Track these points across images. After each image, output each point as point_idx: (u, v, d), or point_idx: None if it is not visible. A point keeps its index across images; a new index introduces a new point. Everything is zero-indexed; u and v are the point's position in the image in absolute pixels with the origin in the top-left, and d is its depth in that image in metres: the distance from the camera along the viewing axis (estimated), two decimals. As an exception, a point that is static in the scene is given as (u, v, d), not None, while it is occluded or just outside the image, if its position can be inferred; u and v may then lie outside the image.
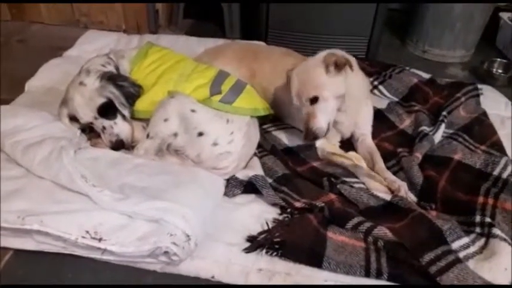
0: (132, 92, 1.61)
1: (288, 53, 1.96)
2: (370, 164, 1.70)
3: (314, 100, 1.58)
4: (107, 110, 1.57)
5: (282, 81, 1.81)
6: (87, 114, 1.57)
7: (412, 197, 1.58)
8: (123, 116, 1.61)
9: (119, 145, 1.59)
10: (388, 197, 1.55)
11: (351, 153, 1.73)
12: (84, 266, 1.28)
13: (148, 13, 2.79)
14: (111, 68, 1.64)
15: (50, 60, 2.18)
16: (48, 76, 2.04)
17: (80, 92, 1.56)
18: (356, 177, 1.64)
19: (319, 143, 1.73)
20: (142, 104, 1.62)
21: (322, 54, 1.64)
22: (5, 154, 1.50)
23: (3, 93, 2.00)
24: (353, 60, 1.68)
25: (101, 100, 1.56)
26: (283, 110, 1.86)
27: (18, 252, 1.31)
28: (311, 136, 1.59)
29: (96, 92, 1.55)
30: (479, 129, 1.92)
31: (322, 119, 1.59)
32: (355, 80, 1.67)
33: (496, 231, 1.37)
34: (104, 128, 1.59)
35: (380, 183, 1.60)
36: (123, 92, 1.58)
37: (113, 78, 1.58)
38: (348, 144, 1.83)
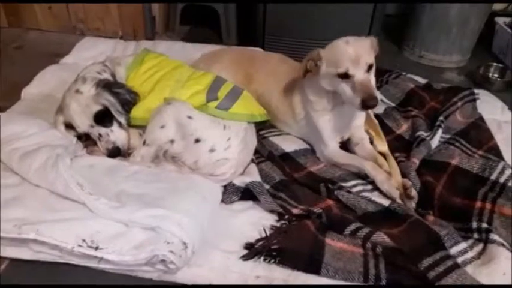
0: (128, 99, 1.60)
1: (284, 59, 1.97)
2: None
3: (369, 68, 1.54)
4: (103, 118, 1.57)
5: (278, 87, 1.81)
6: (83, 122, 1.57)
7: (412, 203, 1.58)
8: (119, 124, 1.60)
9: (115, 152, 1.59)
10: (386, 202, 1.54)
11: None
12: (81, 275, 1.27)
13: (145, 19, 2.80)
14: (107, 76, 1.64)
15: (46, 67, 2.17)
16: (44, 83, 2.03)
17: (76, 99, 1.55)
18: (354, 181, 1.63)
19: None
20: (138, 111, 1.62)
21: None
22: (1, 162, 1.49)
23: (0, 100, 2.00)
24: None
25: (97, 108, 1.55)
26: (279, 116, 1.85)
27: (14, 261, 1.30)
28: (375, 101, 1.48)
29: (92, 99, 1.55)
30: (476, 133, 1.92)
31: (375, 89, 1.55)
32: None
33: (493, 236, 1.37)
34: (100, 135, 1.59)
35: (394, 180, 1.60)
36: (119, 99, 1.57)
37: (109, 86, 1.58)
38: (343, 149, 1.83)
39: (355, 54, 1.51)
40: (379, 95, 1.57)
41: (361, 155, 1.76)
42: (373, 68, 1.56)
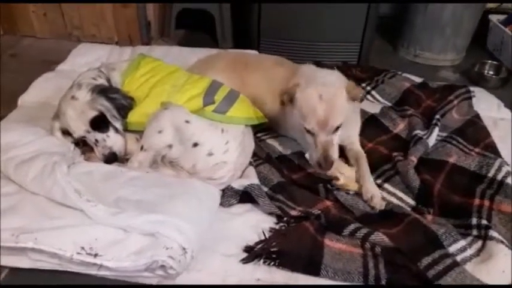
0: (124, 104, 1.60)
1: (279, 61, 1.97)
2: (356, 167, 1.69)
3: (336, 129, 1.54)
4: (99, 123, 1.57)
5: (273, 90, 1.80)
6: (79, 128, 1.57)
7: (409, 201, 1.59)
8: (116, 129, 1.60)
9: (111, 158, 1.59)
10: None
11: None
12: (81, 282, 1.26)
13: (140, 24, 2.80)
14: (102, 81, 1.64)
15: (42, 74, 2.17)
16: (41, 91, 2.02)
17: (72, 105, 1.55)
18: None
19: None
20: (135, 116, 1.62)
21: (338, 79, 1.60)
22: (-1, 171, 1.49)
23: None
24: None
25: (93, 113, 1.55)
26: (276, 119, 1.86)
27: (13, 270, 1.29)
28: (328, 165, 1.53)
29: (87, 105, 1.55)
30: (473, 131, 1.93)
31: (336, 148, 1.55)
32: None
33: (492, 233, 1.37)
34: (96, 141, 1.59)
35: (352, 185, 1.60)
36: (114, 104, 1.57)
37: (104, 91, 1.58)
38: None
39: (324, 116, 1.50)
40: (336, 155, 1.57)
41: (350, 155, 1.77)
42: (339, 129, 1.55)
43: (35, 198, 1.38)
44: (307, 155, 1.71)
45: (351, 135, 1.78)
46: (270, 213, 1.49)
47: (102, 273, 1.25)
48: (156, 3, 2.91)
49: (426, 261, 1.29)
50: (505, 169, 1.63)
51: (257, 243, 1.37)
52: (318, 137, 1.54)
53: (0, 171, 1.48)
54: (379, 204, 1.53)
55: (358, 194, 1.59)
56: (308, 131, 1.56)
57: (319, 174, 1.64)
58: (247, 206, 1.53)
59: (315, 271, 1.28)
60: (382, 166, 1.73)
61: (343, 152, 1.79)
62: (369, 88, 2.22)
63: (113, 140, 1.60)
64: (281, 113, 1.80)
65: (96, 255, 1.22)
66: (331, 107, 1.50)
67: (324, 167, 1.53)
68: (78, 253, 1.22)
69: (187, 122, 1.53)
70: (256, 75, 1.89)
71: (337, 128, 1.54)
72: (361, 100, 1.60)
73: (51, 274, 1.27)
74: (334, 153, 1.55)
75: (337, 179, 1.60)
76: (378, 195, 1.56)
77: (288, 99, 1.61)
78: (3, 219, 1.30)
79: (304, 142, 1.69)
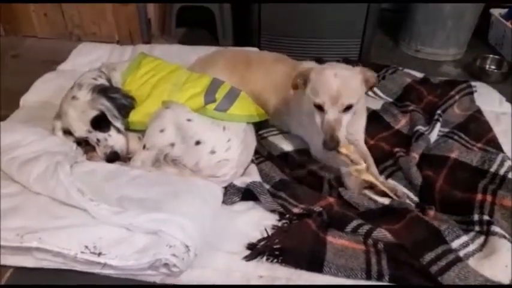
0: (125, 104, 1.61)
1: (279, 58, 1.96)
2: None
3: (347, 108, 1.50)
4: (100, 123, 1.57)
5: (274, 87, 1.81)
6: (80, 128, 1.58)
7: (413, 198, 1.59)
8: (117, 128, 1.61)
9: (113, 157, 1.59)
10: (386, 201, 1.55)
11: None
12: (85, 281, 1.27)
13: (140, 22, 2.80)
14: (103, 81, 1.64)
15: (44, 74, 2.17)
16: (42, 91, 2.03)
17: (73, 105, 1.56)
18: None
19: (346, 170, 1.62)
20: (137, 116, 1.62)
21: (355, 67, 1.58)
22: (1, 171, 1.49)
23: (-1, 109, 2.01)
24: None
25: (93, 113, 1.56)
26: (277, 115, 1.86)
27: (18, 269, 1.30)
28: (334, 144, 1.47)
29: (88, 105, 1.55)
30: (475, 126, 1.93)
31: (344, 130, 1.52)
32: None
33: (495, 228, 1.37)
34: (98, 140, 1.59)
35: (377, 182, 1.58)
36: (115, 104, 1.58)
37: (105, 91, 1.58)
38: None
39: (336, 91, 1.46)
40: (343, 136, 1.52)
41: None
42: (353, 109, 1.51)
43: (38, 198, 1.39)
44: (312, 151, 1.71)
45: (357, 130, 1.76)
46: (272, 211, 1.49)
47: (106, 271, 1.26)
48: (156, 3, 2.91)
49: (429, 256, 1.29)
50: (507, 164, 1.63)
51: (260, 241, 1.37)
52: (328, 114, 1.48)
53: (4, 171, 1.49)
54: (403, 194, 1.54)
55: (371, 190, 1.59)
56: (318, 107, 1.51)
57: (322, 168, 1.63)
58: (250, 204, 1.53)
59: (317, 268, 1.28)
60: (384, 162, 1.73)
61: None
62: (370, 84, 2.21)
63: (114, 139, 1.60)
64: (285, 108, 1.80)
65: (100, 254, 1.23)
66: (344, 83, 1.47)
67: (329, 145, 1.47)
68: (82, 252, 1.23)
69: (189, 120, 1.54)
70: (257, 72, 1.89)
71: (348, 107, 1.49)
72: (375, 84, 1.56)
73: (55, 273, 1.28)
74: (342, 134, 1.50)
75: (356, 163, 1.56)
76: (396, 184, 1.57)
77: (302, 81, 1.58)
78: (8, 220, 1.31)
79: (310, 129, 1.65)
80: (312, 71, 1.56)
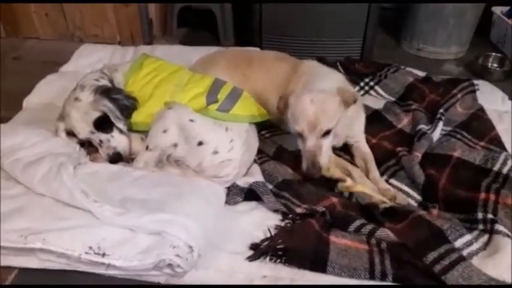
0: (127, 105, 1.61)
1: (281, 57, 1.96)
2: (364, 171, 1.68)
3: (326, 133, 1.51)
4: (103, 124, 1.58)
5: (275, 86, 1.80)
6: (83, 129, 1.58)
7: (416, 196, 1.58)
8: (120, 129, 1.61)
9: (116, 158, 1.60)
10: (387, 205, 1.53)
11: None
12: (89, 282, 1.28)
13: (141, 22, 2.81)
14: (105, 82, 1.65)
15: (46, 76, 2.18)
16: (45, 92, 2.04)
17: (76, 107, 1.57)
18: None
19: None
20: (139, 116, 1.63)
21: (329, 85, 1.56)
22: (5, 173, 1.50)
23: (1, 111, 2.01)
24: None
25: (96, 114, 1.56)
26: (278, 115, 1.85)
27: (22, 270, 1.30)
28: (315, 170, 1.50)
29: (90, 106, 1.56)
30: (478, 125, 1.92)
31: (326, 154, 1.53)
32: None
33: (498, 227, 1.37)
34: (101, 141, 1.60)
35: (371, 193, 1.57)
36: (117, 105, 1.58)
37: (107, 92, 1.59)
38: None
39: (314, 118, 1.48)
40: (325, 161, 1.53)
41: (356, 155, 1.76)
42: (333, 132, 1.53)
43: (42, 200, 1.40)
44: None
45: (357, 132, 1.77)
46: (275, 211, 1.49)
47: (110, 272, 1.27)
48: (158, 3, 2.91)
49: (432, 256, 1.29)
50: (510, 162, 1.63)
51: (263, 241, 1.37)
52: (307, 141, 1.51)
53: (7, 173, 1.49)
54: (404, 200, 1.54)
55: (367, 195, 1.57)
56: (299, 135, 1.54)
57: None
58: (253, 204, 1.53)
59: (321, 268, 1.28)
60: (387, 161, 1.73)
61: (349, 151, 1.79)
62: (372, 83, 2.21)
63: (117, 140, 1.60)
64: (285, 103, 1.80)
65: (104, 254, 1.23)
66: (322, 108, 1.49)
67: (311, 172, 1.50)
68: (86, 253, 1.23)
69: (191, 121, 1.54)
70: (259, 71, 1.89)
71: (327, 132, 1.51)
72: (354, 102, 1.57)
73: (59, 274, 1.29)
74: (323, 159, 1.51)
75: (343, 180, 1.58)
76: (397, 192, 1.57)
77: (283, 105, 1.60)
78: (12, 221, 1.31)
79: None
80: (292, 95, 1.57)
